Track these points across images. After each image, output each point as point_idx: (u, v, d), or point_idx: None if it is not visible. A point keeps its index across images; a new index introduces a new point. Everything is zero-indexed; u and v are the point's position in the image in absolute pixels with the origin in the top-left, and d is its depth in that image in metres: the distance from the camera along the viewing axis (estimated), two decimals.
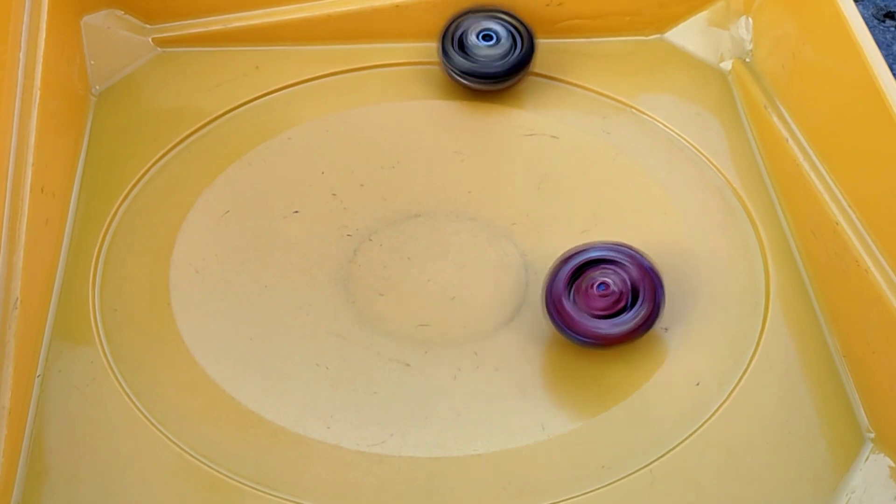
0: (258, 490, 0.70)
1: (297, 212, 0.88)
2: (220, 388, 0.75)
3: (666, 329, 0.80)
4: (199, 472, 0.71)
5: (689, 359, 0.79)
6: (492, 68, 0.95)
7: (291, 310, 0.81)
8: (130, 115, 0.95)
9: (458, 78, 0.96)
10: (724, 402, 0.76)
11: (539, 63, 1.00)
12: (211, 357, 0.77)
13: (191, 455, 0.72)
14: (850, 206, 0.80)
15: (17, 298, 0.74)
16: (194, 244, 0.85)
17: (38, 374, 0.75)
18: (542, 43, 0.99)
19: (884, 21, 1.47)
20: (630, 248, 0.77)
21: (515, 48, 0.96)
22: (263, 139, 0.93)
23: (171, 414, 0.74)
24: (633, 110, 0.98)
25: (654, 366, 0.78)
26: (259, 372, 0.77)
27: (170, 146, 0.91)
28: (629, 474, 0.72)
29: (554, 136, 0.95)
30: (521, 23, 0.97)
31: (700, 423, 0.75)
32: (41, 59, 0.86)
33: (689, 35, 1.05)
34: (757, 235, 0.88)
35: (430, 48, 0.99)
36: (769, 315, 0.82)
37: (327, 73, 1.00)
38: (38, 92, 0.84)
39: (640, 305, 0.75)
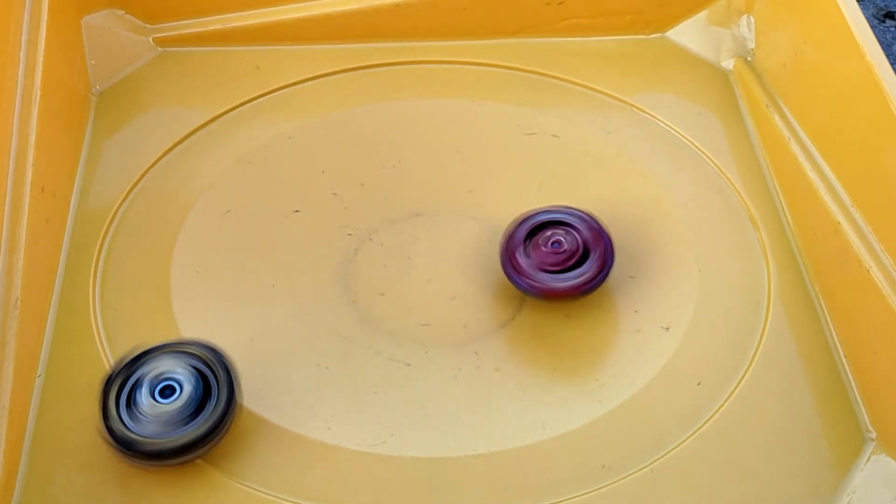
0: (258, 490, 0.70)
1: (297, 211, 0.88)
2: None
3: (666, 329, 0.80)
4: (199, 472, 0.71)
5: (689, 359, 0.79)
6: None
7: (292, 309, 0.81)
8: (131, 115, 0.95)
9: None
10: (725, 402, 0.76)
11: (540, 62, 0.99)
12: None
13: None
14: (851, 206, 0.80)
15: (17, 298, 0.74)
16: (194, 244, 0.85)
17: (38, 374, 0.75)
18: (542, 42, 0.99)
19: (884, 21, 1.47)
20: (585, 212, 0.81)
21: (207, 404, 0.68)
22: (263, 139, 0.93)
23: None
24: (634, 109, 0.98)
25: (654, 366, 0.78)
26: (259, 372, 0.77)
27: (170, 146, 0.92)
28: (629, 474, 0.72)
29: (555, 136, 0.95)
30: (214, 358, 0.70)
31: (700, 423, 0.74)
32: (41, 59, 0.86)
33: (690, 34, 1.05)
34: (758, 235, 0.88)
35: (430, 48, 0.99)
36: (770, 315, 0.81)
37: (327, 72, 1.00)
38: (39, 92, 0.84)
39: (590, 264, 0.78)
